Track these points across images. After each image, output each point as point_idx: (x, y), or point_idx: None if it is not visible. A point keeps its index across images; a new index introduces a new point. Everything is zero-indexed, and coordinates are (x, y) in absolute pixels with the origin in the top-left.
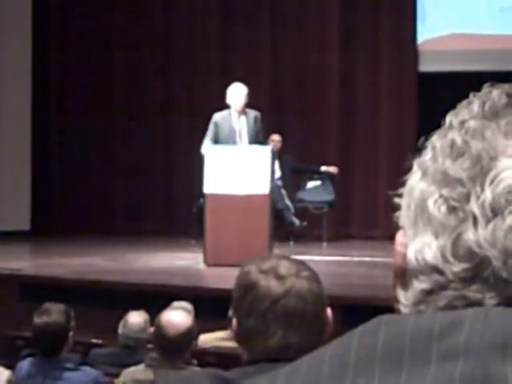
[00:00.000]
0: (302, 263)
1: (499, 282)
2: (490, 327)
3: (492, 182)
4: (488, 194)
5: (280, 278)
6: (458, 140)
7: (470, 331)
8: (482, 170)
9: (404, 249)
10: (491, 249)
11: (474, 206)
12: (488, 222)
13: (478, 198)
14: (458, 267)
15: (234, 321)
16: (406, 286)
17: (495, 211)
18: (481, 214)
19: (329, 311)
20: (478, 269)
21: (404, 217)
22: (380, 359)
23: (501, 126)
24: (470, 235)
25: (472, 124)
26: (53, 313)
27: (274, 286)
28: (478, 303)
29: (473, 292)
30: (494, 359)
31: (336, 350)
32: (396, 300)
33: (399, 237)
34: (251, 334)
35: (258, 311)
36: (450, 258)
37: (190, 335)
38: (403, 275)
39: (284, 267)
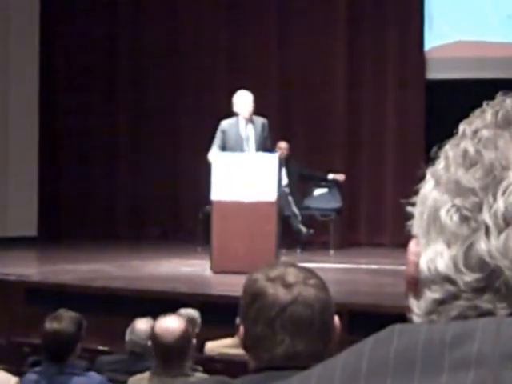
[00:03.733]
0: (309, 271)
1: (511, 293)
2: (501, 337)
3: (504, 191)
4: (500, 204)
5: (287, 285)
6: (471, 149)
7: (481, 341)
8: (494, 179)
9: (416, 258)
10: (503, 259)
11: (486, 216)
12: (500, 232)
13: (490, 207)
14: (469, 277)
15: (241, 328)
16: (418, 295)
17: (507, 221)
18: (493, 223)
19: (336, 319)
20: (489, 279)
21: (416, 226)
22: (392, 368)
23: None
24: (482, 245)
25: (485, 133)
26: (64, 320)
27: (281, 293)
28: (490, 313)
29: (484, 302)
30: (505, 369)
31: (348, 359)
32: (408, 309)
33: (412, 246)
34: (258, 341)
35: (265, 319)
36: (462, 268)
37: (186, 338)
38: (415, 284)
39: (291, 275)
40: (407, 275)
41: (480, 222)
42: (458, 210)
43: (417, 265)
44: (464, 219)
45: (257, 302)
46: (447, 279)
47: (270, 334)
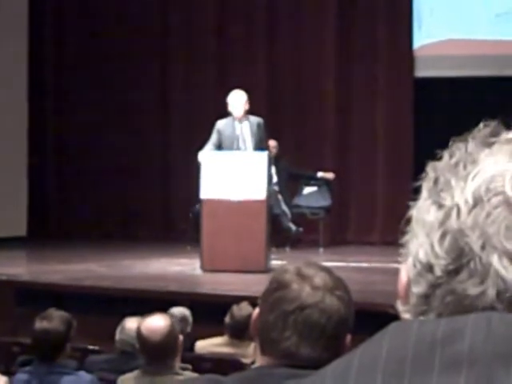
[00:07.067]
0: (341, 282)
1: (482, 267)
2: (492, 335)
3: (474, 177)
4: (470, 187)
5: (314, 287)
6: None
7: (472, 339)
8: (465, 169)
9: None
10: (472, 234)
11: (458, 199)
12: (470, 211)
13: (462, 191)
14: (445, 260)
15: (257, 310)
16: (407, 300)
17: (476, 201)
18: (464, 204)
19: (348, 338)
20: (461, 258)
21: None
22: (382, 367)
23: (482, 139)
24: (453, 224)
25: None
26: (54, 320)
27: (305, 292)
28: (465, 295)
29: (458, 283)
30: (497, 369)
31: (340, 358)
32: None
33: (402, 272)
34: (267, 329)
35: (281, 311)
36: (438, 251)
37: (173, 336)
38: (407, 296)
39: (321, 279)
40: (399, 296)
41: (453, 205)
42: (435, 201)
43: (408, 284)
44: (440, 207)
45: (279, 291)
46: (427, 267)
47: (280, 326)
